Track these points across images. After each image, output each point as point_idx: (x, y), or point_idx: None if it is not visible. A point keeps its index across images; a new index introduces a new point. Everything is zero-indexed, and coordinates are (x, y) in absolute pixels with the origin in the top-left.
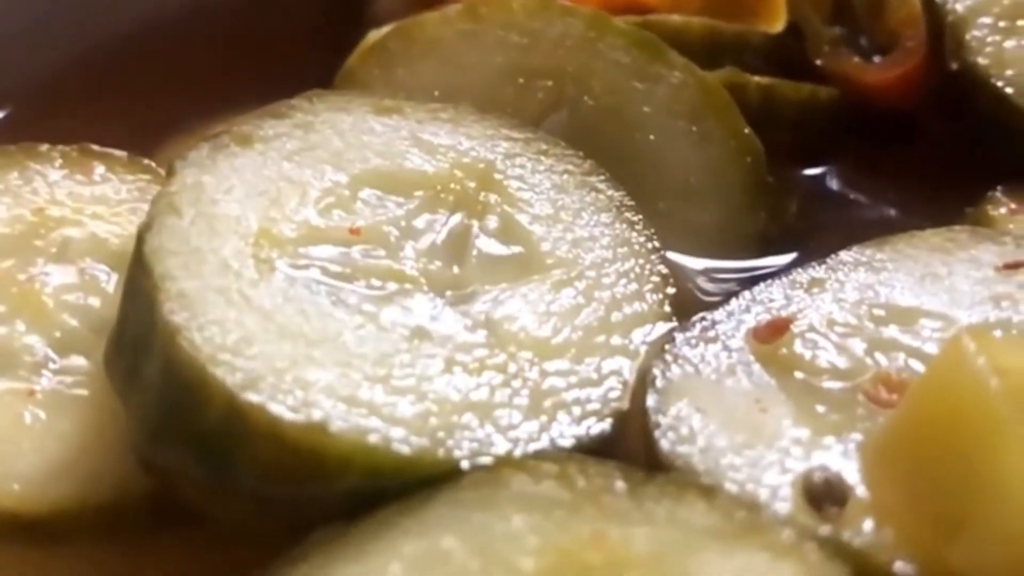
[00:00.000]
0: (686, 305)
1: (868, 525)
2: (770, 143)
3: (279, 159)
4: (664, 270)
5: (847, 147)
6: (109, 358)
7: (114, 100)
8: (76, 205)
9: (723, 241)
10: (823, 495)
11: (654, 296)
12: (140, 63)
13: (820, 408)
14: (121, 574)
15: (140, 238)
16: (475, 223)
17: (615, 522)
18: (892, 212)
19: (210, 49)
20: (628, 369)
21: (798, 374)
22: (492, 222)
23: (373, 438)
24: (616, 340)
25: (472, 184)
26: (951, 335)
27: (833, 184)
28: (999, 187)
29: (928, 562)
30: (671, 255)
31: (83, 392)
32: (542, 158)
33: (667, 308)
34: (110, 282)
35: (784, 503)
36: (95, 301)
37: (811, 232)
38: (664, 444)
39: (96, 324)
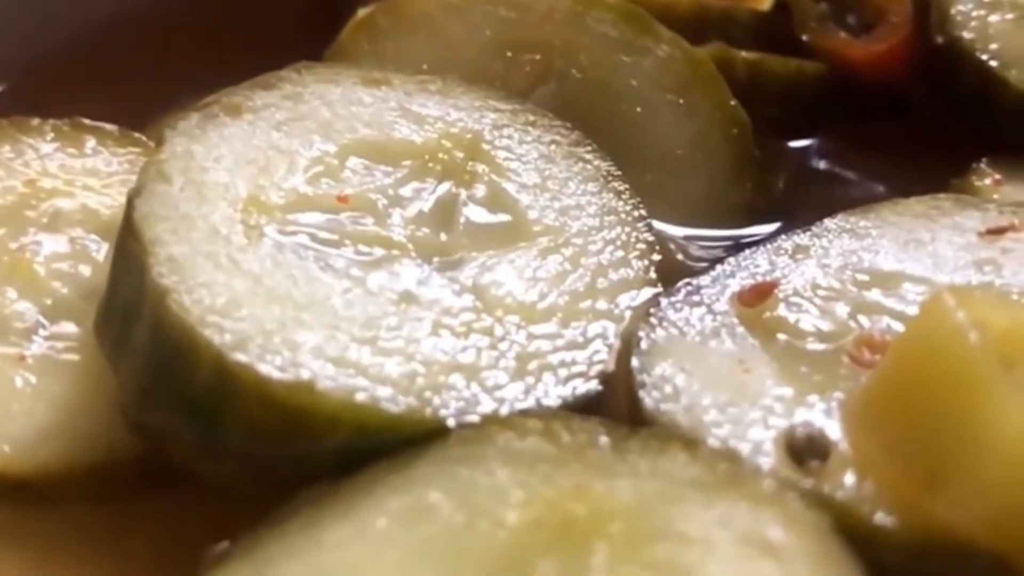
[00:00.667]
0: (672, 272)
1: (850, 479)
2: (757, 117)
3: (268, 129)
4: (650, 237)
5: (834, 121)
6: (99, 324)
7: (108, 77)
8: (67, 177)
9: (709, 211)
10: (805, 450)
11: (640, 263)
12: (134, 41)
13: (803, 369)
14: (109, 535)
15: (130, 204)
16: (463, 192)
17: (599, 475)
18: (877, 184)
19: (202, 27)
20: (613, 332)
21: (782, 336)
22: (479, 191)
23: (361, 396)
24: (602, 305)
25: (460, 154)
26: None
27: (819, 157)
28: (984, 159)
29: (909, 513)
30: (657, 224)
31: (73, 357)
32: (529, 129)
33: (653, 274)
34: (100, 251)
35: (766, 457)
36: (85, 269)
37: (796, 203)
38: (648, 402)
39: (86, 292)
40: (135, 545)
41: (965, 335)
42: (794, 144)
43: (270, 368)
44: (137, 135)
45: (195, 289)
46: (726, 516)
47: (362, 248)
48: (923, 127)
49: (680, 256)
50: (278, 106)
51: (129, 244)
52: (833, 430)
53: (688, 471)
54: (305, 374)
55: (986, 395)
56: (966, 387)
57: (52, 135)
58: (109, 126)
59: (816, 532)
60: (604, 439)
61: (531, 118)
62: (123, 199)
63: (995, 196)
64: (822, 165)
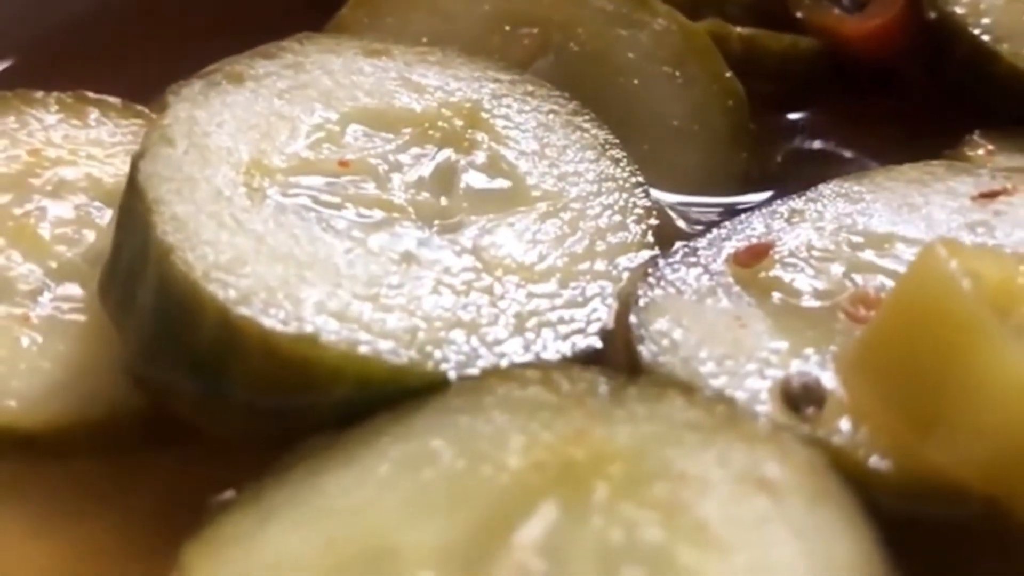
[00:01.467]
0: (669, 236)
1: (845, 424)
2: (752, 92)
3: (270, 96)
4: (647, 203)
5: (827, 96)
6: (103, 286)
7: (113, 54)
8: (71, 147)
9: (705, 180)
10: (801, 397)
11: (637, 227)
12: (137, 19)
13: (799, 324)
14: (114, 489)
15: (134, 166)
16: (462, 158)
17: (598, 421)
18: (871, 157)
19: (205, 5)
20: (612, 291)
21: (777, 295)
22: (479, 158)
23: (363, 349)
24: (600, 266)
25: (459, 122)
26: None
27: (813, 130)
28: (976, 131)
29: (904, 458)
30: (655, 192)
31: (78, 318)
32: (528, 99)
33: (650, 238)
34: (104, 217)
35: (763, 406)
36: (89, 234)
37: (790, 174)
38: (646, 355)
39: (91, 256)
40: (139, 499)
41: (959, 282)
42: (788, 117)
43: (274, 322)
44: (140, 107)
45: (199, 246)
46: (723, 455)
47: (363, 211)
48: (916, 101)
49: (677, 221)
50: (280, 75)
51: (133, 204)
52: (829, 380)
53: (685, 414)
54: (308, 327)
55: (980, 341)
56: (960, 334)
57: (56, 107)
58: (112, 99)
59: (811, 468)
60: (603, 387)
61: (530, 88)
62: (126, 168)
63: (988, 166)
64: (816, 137)
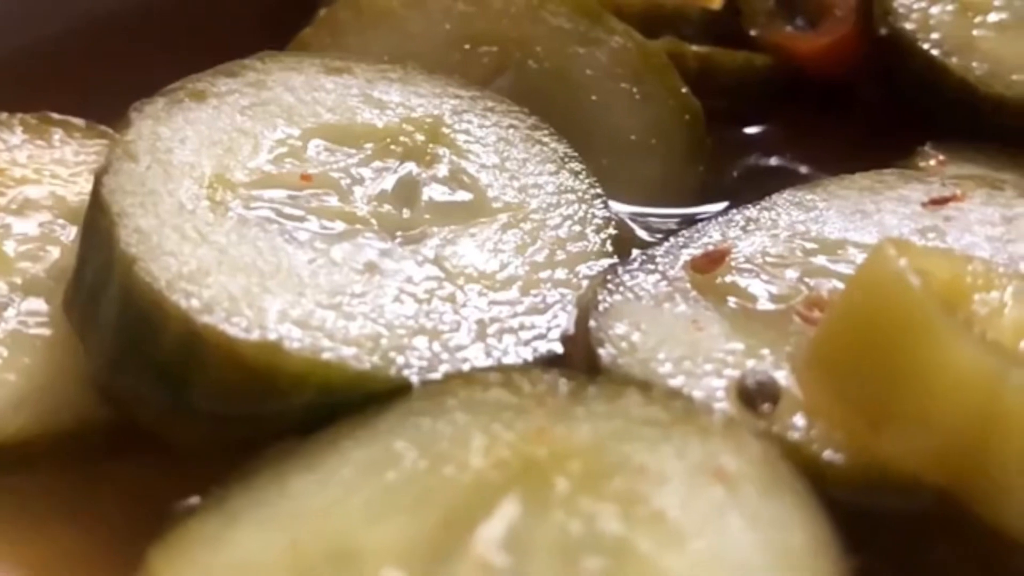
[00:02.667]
0: (628, 245)
1: (800, 420)
2: (708, 108)
3: (232, 113)
4: (606, 213)
5: (783, 112)
6: (68, 300)
7: (75, 79)
8: (36, 166)
9: (663, 193)
10: (756, 394)
11: (597, 236)
12: (99, 44)
13: (755, 327)
14: (80, 497)
15: (98, 180)
16: (424, 172)
17: (559, 419)
18: (825, 170)
19: (166, 31)
20: (572, 298)
21: (734, 299)
22: (440, 171)
23: (326, 355)
24: (560, 274)
25: (421, 137)
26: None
27: (769, 145)
28: (928, 143)
29: (857, 451)
30: (614, 204)
31: (44, 331)
32: (488, 114)
33: (609, 247)
34: (68, 235)
35: (719, 403)
36: (54, 251)
37: (746, 186)
38: (605, 357)
39: (55, 272)
40: (106, 507)
41: (908, 279)
42: (744, 132)
43: (237, 329)
44: (103, 127)
45: (162, 257)
46: (680, 448)
47: (326, 222)
48: (868, 116)
49: (636, 231)
50: (242, 92)
51: (97, 218)
52: (783, 378)
53: (643, 411)
54: (272, 335)
55: (929, 336)
56: (910, 329)
57: (20, 128)
58: (76, 120)
59: (765, 459)
60: (563, 387)
61: (490, 104)
62: (90, 187)
63: (938, 175)
64: (771, 152)
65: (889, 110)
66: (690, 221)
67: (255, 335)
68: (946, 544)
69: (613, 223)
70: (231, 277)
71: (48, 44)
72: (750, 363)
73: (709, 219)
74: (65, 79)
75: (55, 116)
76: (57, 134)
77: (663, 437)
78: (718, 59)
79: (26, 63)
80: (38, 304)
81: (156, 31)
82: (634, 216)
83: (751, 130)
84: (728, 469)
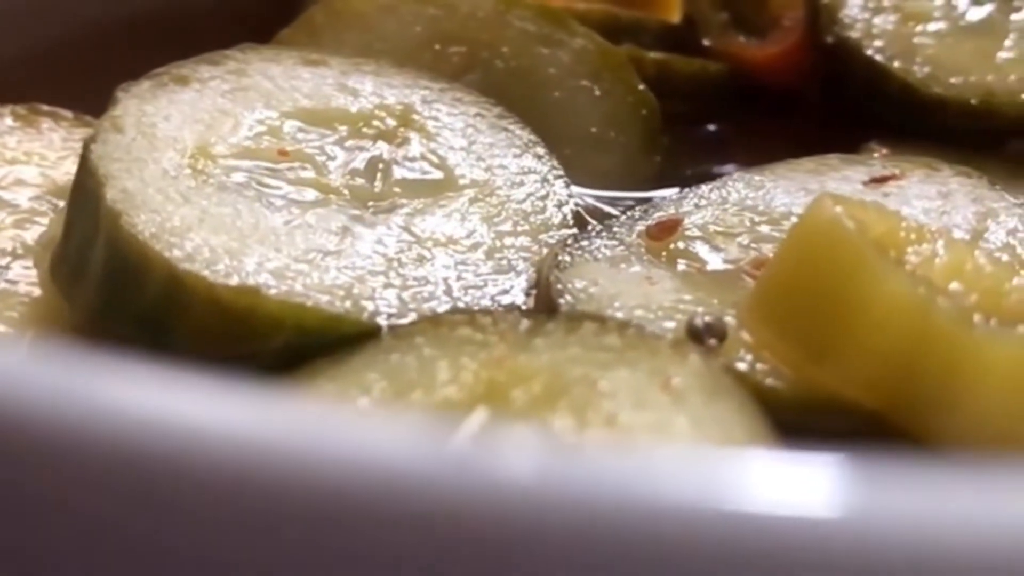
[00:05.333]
0: (586, 222)
1: (745, 354)
2: (665, 111)
3: (214, 96)
4: (568, 192)
5: (736, 116)
6: (56, 260)
7: (62, 83)
8: (25, 150)
9: (622, 182)
10: (704, 331)
11: (558, 211)
12: (86, 48)
13: (705, 283)
14: None
15: (86, 147)
16: (395, 151)
17: (519, 350)
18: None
19: (150, 34)
20: (534, 261)
21: (686, 262)
22: (411, 151)
23: (301, 299)
24: (524, 241)
25: (392, 122)
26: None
27: (722, 146)
28: (874, 139)
29: (798, 380)
30: (575, 190)
31: (32, 291)
32: (457, 104)
33: (570, 220)
34: (57, 209)
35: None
36: (43, 221)
37: (700, 177)
38: (564, 306)
39: (43, 241)
40: None
41: (844, 222)
42: (698, 133)
43: (218, 275)
44: (89, 118)
45: (147, 213)
46: (631, 366)
47: (302, 190)
48: (817, 120)
49: (594, 209)
50: (223, 78)
51: (85, 181)
52: (730, 320)
53: (599, 339)
54: (251, 280)
55: (863, 271)
56: (845, 266)
57: (11, 117)
58: (64, 111)
59: (709, 371)
60: (525, 323)
61: (459, 95)
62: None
63: None
64: (724, 149)
65: (837, 112)
66: (646, 203)
67: (234, 280)
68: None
69: (573, 200)
70: (212, 233)
71: (34, 52)
72: (700, 310)
73: (664, 199)
74: (53, 86)
75: (44, 107)
76: (46, 123)
77: (617, 359)
78: (674, 65)
79: (16, 69)
80: (27, 267)
81: (145, 38)
82: (594, 198)
83: (705, 130)
84: (675, 382)
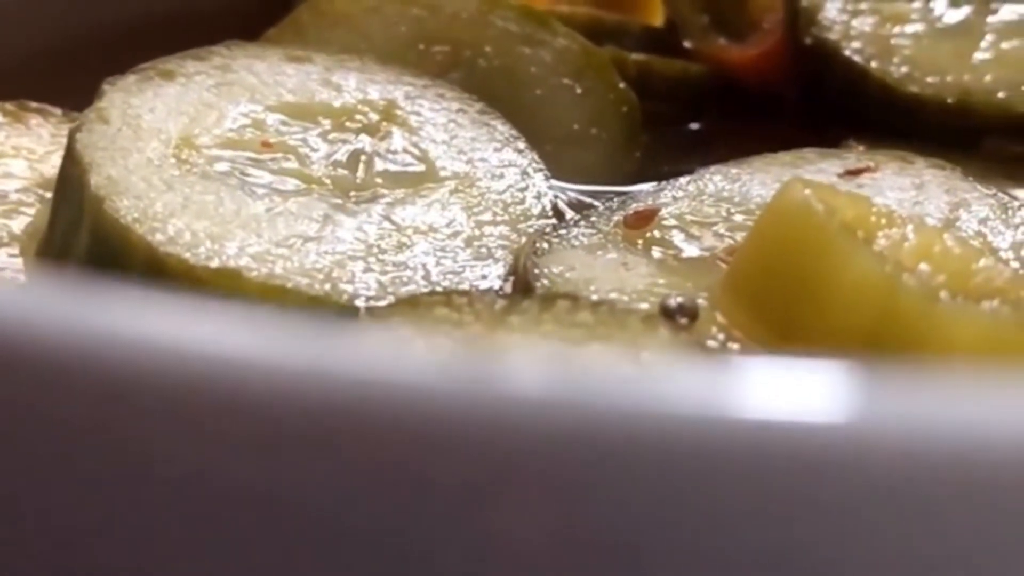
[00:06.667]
0: (565, 214)
1: (716, 333)
2: (647, 111)
3: (199, 90)
4: (548, 184)
5: (717, 116)
6: (42, 247)
7: (52, 88)
8: (13, 144)
9: (602, 177)
10: (676, 311)
11: (537, 202)
12: (76, 51)
13: (680, 269)
14: None
15: (71, 137)
16: (377, 145)
17: (495, 327)
18: None
19: (137, 39)
20: (513, 249)
21: (662, 250)
22: (393, 145)
23: (281, 281)
24: (503, 230)
25: (375, 116)
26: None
27: (702, 142)
28: (852, 138)
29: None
30: (556, 184)
31: (19, 278)
32: (440, 100)
33: (549, 212)
34: (44, 200)
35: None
36: (29, 211)
37: (680, 172)
38: (540, 290)
39: (30, 230)
40: None
41: (813, 204)
42: (680, 133)
43: (199, 258)
44: (77, 114)
45: (130, 198)
46: (603, 340)
47: (284, 180)
48: (797, 117)
49: (574, 202)
50: (208, 73)
51: (70, 169)
52: (703, 301)
53: (572, 316)
54: (231, 263)
55: (831, 250)
56: (813, 246)
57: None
58: (53, 108)
59: (679, 345)
60: (500, 303)
61: (441, 91)
62: None
63: None
64: (704, 147)
65: (816, 112)
66: (625, 195)
67: (215, 263)
68: None
69: (553, 192)
70: (194, 219)
71: (26, 54)
72: (674, 293)
73: (642, 191)
74: (43, 88)
75: (33, 104)
76: (34, 119)
77: (589, 335)
78: (656, 66)
79: (7, 71)
80: (13, 255)
81: (136, 42)
82: (575, 192)
83: (686, 130)
84: (644, 356)
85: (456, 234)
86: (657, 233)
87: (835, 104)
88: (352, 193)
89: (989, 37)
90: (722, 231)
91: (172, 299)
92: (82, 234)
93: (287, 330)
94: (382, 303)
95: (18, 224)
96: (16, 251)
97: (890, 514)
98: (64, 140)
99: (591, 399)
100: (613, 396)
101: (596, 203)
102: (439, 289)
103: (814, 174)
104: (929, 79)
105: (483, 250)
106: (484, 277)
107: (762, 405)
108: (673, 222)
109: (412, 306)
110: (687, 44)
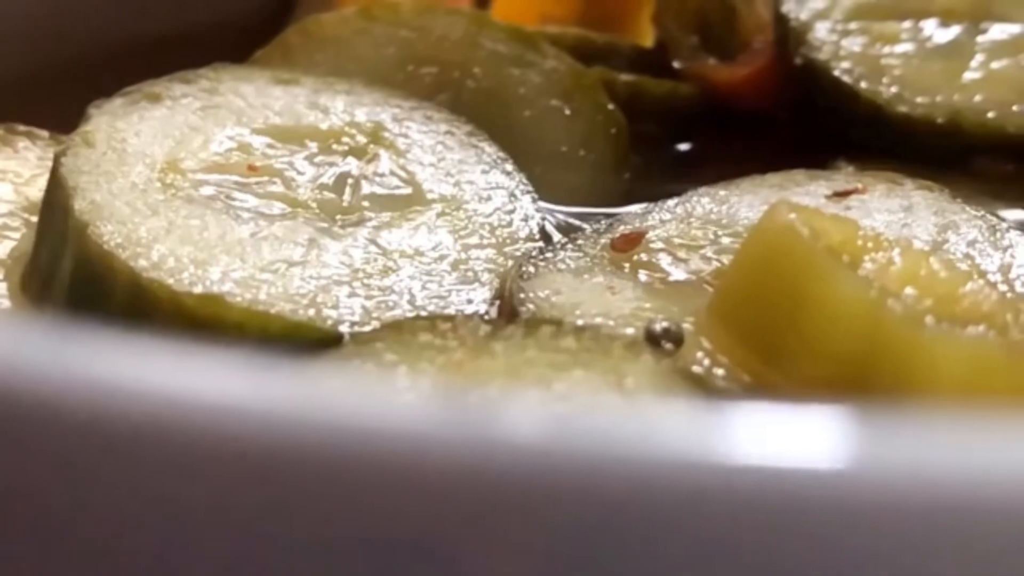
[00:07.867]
0: (552, 237)
1: (701, 358)
2: (636, 131)
3: (186, 113)
4: (535, 207)
5: (706, 137)
6: (27, 272)
7: (41, 107)
8: (1, 166)
9: (591, 199)
10: (661, 336)
11: (525, 224)
12: (65, 71)
13: (667, 293)
14: None
15: (56, 160)
16: (364, 167)
17: (479, 353)
18: None
19: (128, 60)
20: (499, 273)
21: (649, 274)
22: (380, 167)
23: (265, 307)
24: (489, 253)
25: (363, 139)
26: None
27: (692, 163)
28: (842, 157)
29: (754, 384)
30: (545, 206)
31: (3, 302)
32: (427, 122)
33: (536, 235)
34: (29, 224)
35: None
36: (15, 235)
37: (669, 193)
38: (526, 314)
39: (15, 255)
40: None
41: (798, 229)
42: (669, 154)
43: (182, 283)
44: (64, 137)
45: (114, 224)
46: (586, 366)
47: (270, 204)
48: (787, 137)
49: (562, 224)
50: (195, 96)
51: (55, 193)
52: (688, 326)
53: (555, 341)
54: (215, 288)
55: (815, 275)
56: (798, 270)
57: None
58: (40, 131)
59: (661, 371)
60: (484, 329)
61: (429, 113)
62: None
63: None
64: (693, 168)
65: (806, 132)
66: (613, 216)
67: (199, 288)
68: None
69: (541, 215)
70: (178, 244)
71: (17, 76)
72: (659, 317)
73: (630, 213)
74: (33, 111)
75: (21, 127)
76: (22, 143)
77: (572, 361)
78: (646, 87)
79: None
80: None
81: (126, 64)
82: (564, 214)
83: (675, 150)
84: (627, 381)
85: (442, 258)
86: (644, 256)
87: (825, 124)
88: (338, 216)
89: (979, 57)
90: (710, 254)
91: (137, 341)
92: (66, 259)
93: (257, 372)
94: (366, 328)
95: (3, 248)
96: (1, 275)
97: (882, 561)
98: (51, 163)
99: (589, 447)
100: (612, 445)
101: (584, 225)
102: (424, 314)
103: (802, 196)
104: (919, 99)
105: (469, 274)
106: (470, 301)
107: (753, 452)
108: (660, 245)
109: (396, 331)
110: (676, 64)
